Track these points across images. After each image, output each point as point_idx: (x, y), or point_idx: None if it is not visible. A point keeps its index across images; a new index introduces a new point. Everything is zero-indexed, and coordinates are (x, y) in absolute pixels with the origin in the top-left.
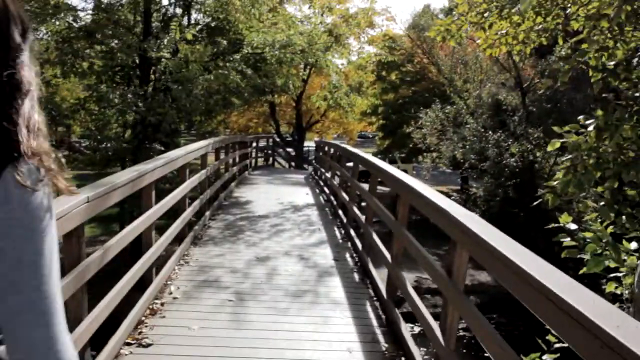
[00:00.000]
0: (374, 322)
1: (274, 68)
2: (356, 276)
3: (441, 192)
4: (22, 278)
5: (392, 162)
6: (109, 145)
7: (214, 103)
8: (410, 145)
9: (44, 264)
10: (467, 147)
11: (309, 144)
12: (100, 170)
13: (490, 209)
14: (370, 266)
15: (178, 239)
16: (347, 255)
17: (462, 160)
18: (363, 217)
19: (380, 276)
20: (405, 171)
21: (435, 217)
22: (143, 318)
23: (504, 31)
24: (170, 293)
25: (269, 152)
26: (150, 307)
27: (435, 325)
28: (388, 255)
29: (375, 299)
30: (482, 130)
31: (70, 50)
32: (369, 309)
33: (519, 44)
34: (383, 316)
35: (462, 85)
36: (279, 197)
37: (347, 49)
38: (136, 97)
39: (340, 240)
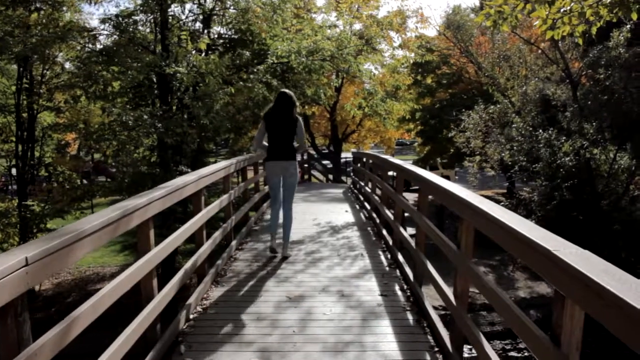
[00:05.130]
0: None
1: (303, 77)
2: (410, 317)
3: (487, 196)
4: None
5: (432, 168)
6: (131, 170)
7: (243, 120)
8: (452, 150)
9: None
10: (515, 148)
11: (347, 155)
12: (129, 196)
13: (547, 214)
14: (427, 303)
15: (197, 278)
16: (397, 287)
17: (510, 163)
18: (412, 240)
19: (440, 316)
20: (448, 177)
21: (521, 251)
22: None
23: (567, 8)
24: (180, 354)
25: (305, 166)
26: None
27: None
28: (450, 294)
29: (436, 349)
30: (531, 129)
31: (85, 73)
32: None
33: (581, 24)
34: None
35: (505, 83)
36: (315, 216)
37: (380, 54)
38: (154, 117)
39: (387, 268)
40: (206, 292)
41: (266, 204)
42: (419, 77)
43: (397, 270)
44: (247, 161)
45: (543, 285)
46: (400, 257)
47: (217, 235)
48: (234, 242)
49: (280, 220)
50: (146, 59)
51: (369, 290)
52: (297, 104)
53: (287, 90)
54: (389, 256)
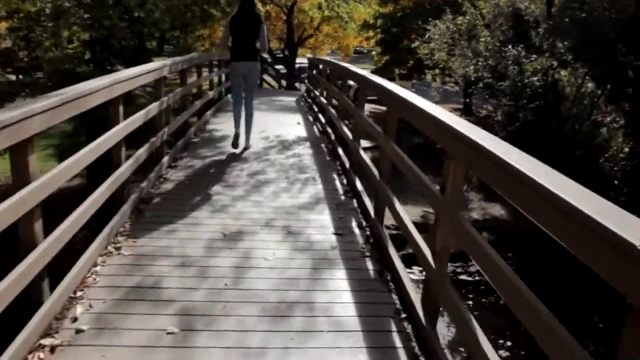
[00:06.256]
0: None
1: None
2: (370, 266)
3: None
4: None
5: (389, 79)
6: (50, 68)
7: (192, 16)
8: (411, 62)
9: None
10: (481, 63)
11: (302, 61)
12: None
13: (510, 135)
14: (391, 248)
15: (114, 207)
16: (354, 223)
17: (473, 79)
18: (375, 169)
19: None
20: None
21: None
22: None
23: None
24: (75, 319)
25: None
26: (31, 354)
27: None
28: (427, 252)
29: (404, 315)
30: (499, 44)
31: None
32: (397, 340)
33: None
34: (422, 358)
35: None
36: (263, 128)
37: None
38: (80, 6)
39: (343, 197)
40: (123, 225)
41: (209, 113)
42: None
43: (355, 201)
44: (187, 63)
45: (497, 206)
46: (358, 184)
47: (142, 152)
48: (165, 159)
49: (243, 117)
50: None
51: (321, 226)
52: (259, 6)
53: None
54: (344, 181)
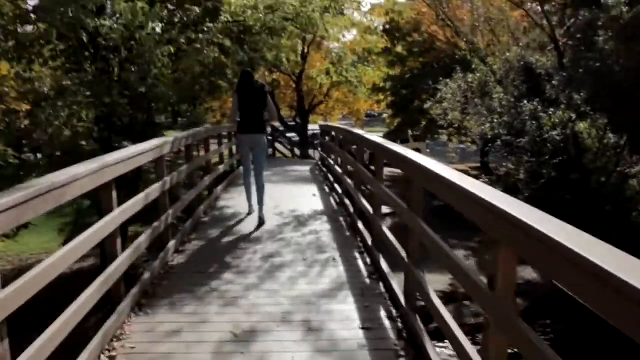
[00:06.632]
0: None
1: (262, 39)
2: None
3: (462, 171)
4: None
5: (403, 141)
6: (47, 150)
7: (200, 89)
8: (424, 122)
9: None
10: (496, 121)
11: (314, 127)
12: None
13: (534, 194)
14: (428, 345)
15: (110, 305)
16: (382, 313)
17: (490, 137)
18: (401, 249)
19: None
20: (419, 150)
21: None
22: None
23: None
24: None
25: (269, 138)
26: None
27: None
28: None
29: None
30: (513, 100)
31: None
32: None
33: None
34: None
35: (486, 49)
36: (277, 203)
37: (348, 17)
38: (83, 84)
39: (368, 280)
40: (121, 327)
41: (220, 188)
42: (388, 45)
43: (381, 284)
44: (192, 138)
45: (528, 269)
46: (383, 263)
47: (143, 240)
48: (171, 244)
49: (254, 188)
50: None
51: (346, 319)
52: (265, 76)
53: (249, 69)
54: (368, 261)
